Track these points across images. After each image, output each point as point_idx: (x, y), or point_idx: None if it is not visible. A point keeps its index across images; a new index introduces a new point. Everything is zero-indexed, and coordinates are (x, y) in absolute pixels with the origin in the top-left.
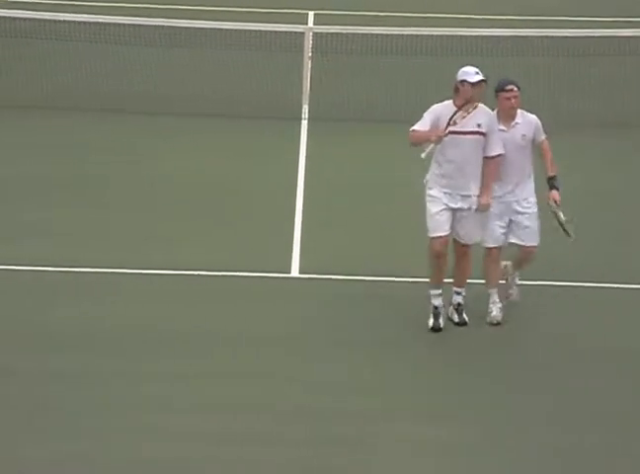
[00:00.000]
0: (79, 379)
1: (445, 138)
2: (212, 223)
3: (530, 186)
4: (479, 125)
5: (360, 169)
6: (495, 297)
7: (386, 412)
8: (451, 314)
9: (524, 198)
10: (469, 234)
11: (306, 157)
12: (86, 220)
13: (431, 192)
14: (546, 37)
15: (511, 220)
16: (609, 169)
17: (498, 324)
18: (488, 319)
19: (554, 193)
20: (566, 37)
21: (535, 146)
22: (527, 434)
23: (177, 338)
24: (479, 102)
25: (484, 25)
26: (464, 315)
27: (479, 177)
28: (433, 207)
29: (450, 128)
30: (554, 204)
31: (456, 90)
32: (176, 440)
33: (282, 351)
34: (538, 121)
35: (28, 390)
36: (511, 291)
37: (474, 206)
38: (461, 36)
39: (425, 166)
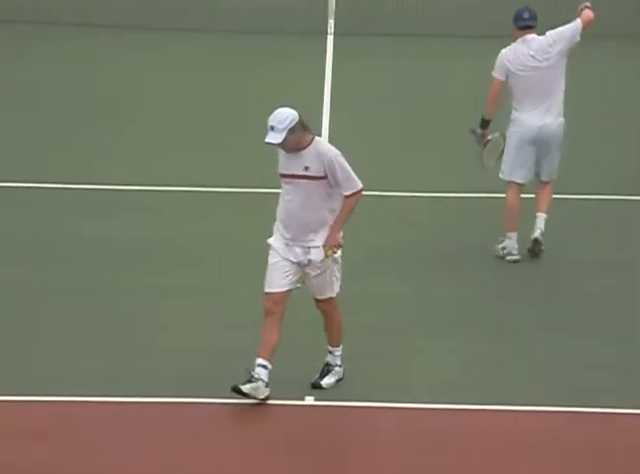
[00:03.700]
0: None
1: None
2: (238, 140)
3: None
4: (307, 169)
5: (387, 85)
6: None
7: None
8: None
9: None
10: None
11: (332, 73)
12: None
13: (269, 240)
14: None
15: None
16: None
17: None
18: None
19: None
20: None
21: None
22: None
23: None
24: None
25: None
26: (328, 379)
27: (320, 226)
28: (270, 258)
29: (282, 171)
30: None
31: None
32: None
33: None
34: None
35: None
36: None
37: (316, 258)
38: None
39: None
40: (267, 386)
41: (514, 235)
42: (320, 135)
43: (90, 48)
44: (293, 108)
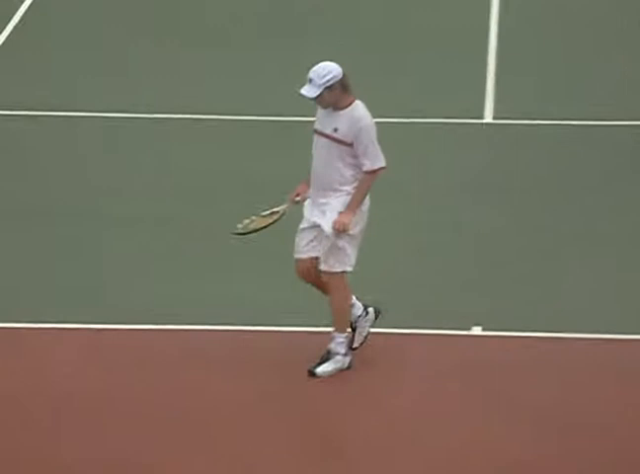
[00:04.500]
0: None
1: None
2: (397, 66)
3: None
4: (335, 130)
5: (558, 4)
6: None
7: None
8: None
9: None
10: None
11: None
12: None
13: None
14: None
15: None
16: None
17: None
18: None
19: None
20: None
21: None
22: None
23: None
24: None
25: None
26: (327, 366)
27: (340, 192)
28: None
29: (314, 126)
30: None
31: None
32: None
33: (472, 197)
34: None
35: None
36: None
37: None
38: None
39: None
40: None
41: None
42: (486, 58)
43: None
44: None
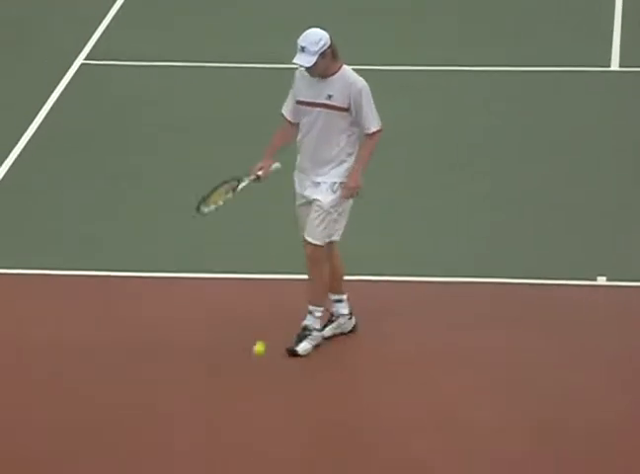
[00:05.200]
0: None
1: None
2: (528, 15)
3: None
4: (330, 97)
5: None
6: None
7: None
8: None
9: None
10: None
11: None
12: None
13: (294, 173)
14: None
15: None
16: None
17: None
18: None
19: None
20: None
21: None
22: None
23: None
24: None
25: None
26: (304, 345)
27: (334, 163)
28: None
29: (301, 98)
30: None
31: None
32: None
33: (598, 144)
34: None
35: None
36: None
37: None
38: None
39: None
40: (350, 317)
41: None
42: (614, 7)
43: None
44: None
